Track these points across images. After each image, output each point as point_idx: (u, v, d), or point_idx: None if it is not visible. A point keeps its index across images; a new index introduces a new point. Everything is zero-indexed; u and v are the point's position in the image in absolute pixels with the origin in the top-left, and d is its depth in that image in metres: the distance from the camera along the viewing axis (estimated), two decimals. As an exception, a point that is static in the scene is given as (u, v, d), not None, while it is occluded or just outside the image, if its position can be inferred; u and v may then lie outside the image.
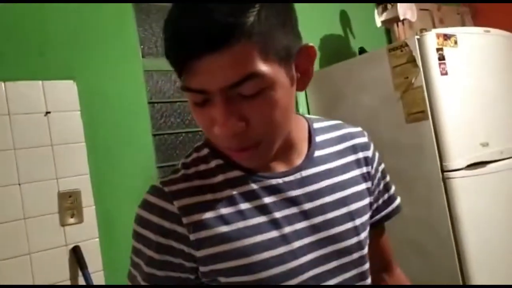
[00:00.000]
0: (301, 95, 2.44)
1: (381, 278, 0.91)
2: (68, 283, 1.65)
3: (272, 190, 0.71)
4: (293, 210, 0.71)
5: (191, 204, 0.68)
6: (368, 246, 0.79)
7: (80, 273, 1.65)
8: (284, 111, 0.64)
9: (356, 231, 0.75)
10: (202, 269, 0.68)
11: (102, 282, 1.70)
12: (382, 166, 0.86)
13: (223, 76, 0.58)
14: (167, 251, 0.68)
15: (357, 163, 0.80)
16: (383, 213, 0.86)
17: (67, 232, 1.67)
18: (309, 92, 2.46)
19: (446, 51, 1.94)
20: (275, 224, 0.69)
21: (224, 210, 0.69)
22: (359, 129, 0.85)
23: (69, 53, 1.77)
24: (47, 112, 1.68)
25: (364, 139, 0.83)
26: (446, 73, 1.93)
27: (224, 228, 0.68)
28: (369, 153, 0.82)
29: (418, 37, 1.95)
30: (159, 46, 2.08)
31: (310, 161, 0.75)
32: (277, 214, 0.70)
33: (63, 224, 1.67)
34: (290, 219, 0.70)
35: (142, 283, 0.71)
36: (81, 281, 1.65)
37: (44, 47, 1.71)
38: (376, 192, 0.83)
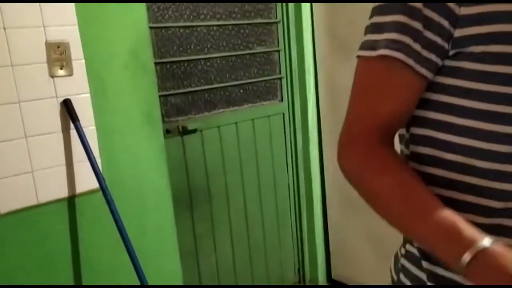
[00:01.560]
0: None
1: None
2: (60, 135, 1.63)
3: None
4: None
5: None
6: None
7: (72, 126, 1.64)
8: None
9: None
10: (458, 33, 0.60)
11: (94, 137, 1.69)
12: None
13: None
14: (431, 5, 0.60)
15: None
16: None
17: (57, 84, 1.61)
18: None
19: None
20: None
21: None
22: None
23: None
24: (29, -50, 1.52)
25: None
26: None
27: None
28: None
29: None
30: None
31: None
32: None
33: (52, 75, 1.60)
34: None
35: (389, 35, 0.61)
36: (73, 133, 1.64)
37: None
38: None
